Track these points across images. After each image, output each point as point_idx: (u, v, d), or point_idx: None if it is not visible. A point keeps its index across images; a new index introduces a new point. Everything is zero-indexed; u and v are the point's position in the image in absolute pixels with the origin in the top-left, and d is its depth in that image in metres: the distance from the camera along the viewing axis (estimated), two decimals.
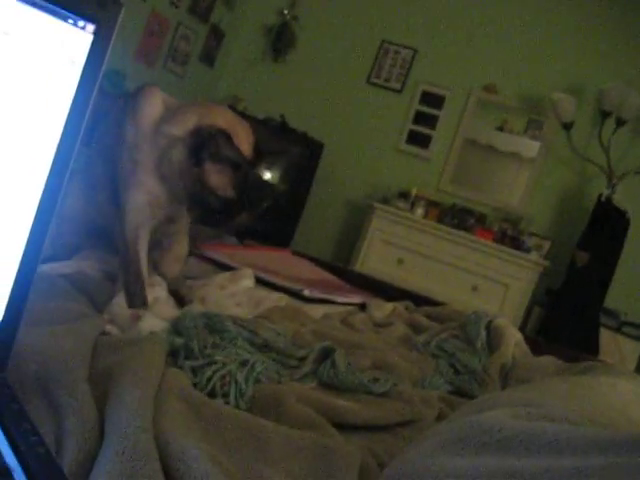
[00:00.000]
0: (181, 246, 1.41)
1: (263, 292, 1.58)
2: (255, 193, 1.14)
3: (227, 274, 1.58)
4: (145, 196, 1.18)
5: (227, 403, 0.85)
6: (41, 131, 0.65)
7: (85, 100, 0.66)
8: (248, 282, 1.59)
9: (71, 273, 1.23)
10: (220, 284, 1.50)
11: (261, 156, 1.19)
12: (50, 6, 0.64)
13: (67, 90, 0.65)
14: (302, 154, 4.54)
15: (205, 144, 1.10)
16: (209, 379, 0.90)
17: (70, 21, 0.65)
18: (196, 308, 1.26)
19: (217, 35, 4.95)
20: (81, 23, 0.65)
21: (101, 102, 1.38)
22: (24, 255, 0.65)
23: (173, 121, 1.16)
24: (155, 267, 1.37)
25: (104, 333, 0.98)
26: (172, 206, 1.23)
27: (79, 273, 1.24)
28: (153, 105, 1.19)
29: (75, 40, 0.65)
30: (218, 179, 1.12)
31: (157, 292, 1.30)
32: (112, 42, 0.67)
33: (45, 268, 1.18)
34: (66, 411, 0.62)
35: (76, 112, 0.66)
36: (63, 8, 0.64)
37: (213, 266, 1.76)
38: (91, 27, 0.66)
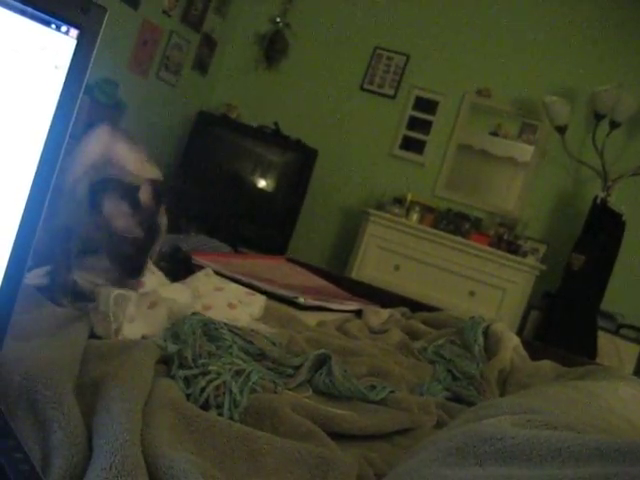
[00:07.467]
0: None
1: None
2: (157, 227, 1.14)
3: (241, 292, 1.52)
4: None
5: (221, 414, 0.83)
6: (26, 136, 0.64)
7: (70, 105, 0.65)
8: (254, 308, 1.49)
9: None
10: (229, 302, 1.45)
11: (159, 197, 1.15)
12: (33, 11, 0.63)
13: (51, 95, 0.64)
14: (296, 161, 4.53)
15: (100, 189, 1.07)
16: (203, 389, 0.88)
17: (53, 26, 0.64)
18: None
19: (210, 44, 4.94)
20: (64, 28, 0.64)
21: (94, 111, 1.37)
22: (8, 266, 0.63)
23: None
24: None
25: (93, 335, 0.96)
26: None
27: None
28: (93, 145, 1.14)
29: (58, 45, 0.64)
30: (123, 222, 1.09)
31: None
32: (96, 47, 0.66)
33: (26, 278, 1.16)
34: (52, 425, 0.60)
35: (61, 117, 0.64)
36: (46, 13, 0.63)
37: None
38: (74, 32, 0.65)
